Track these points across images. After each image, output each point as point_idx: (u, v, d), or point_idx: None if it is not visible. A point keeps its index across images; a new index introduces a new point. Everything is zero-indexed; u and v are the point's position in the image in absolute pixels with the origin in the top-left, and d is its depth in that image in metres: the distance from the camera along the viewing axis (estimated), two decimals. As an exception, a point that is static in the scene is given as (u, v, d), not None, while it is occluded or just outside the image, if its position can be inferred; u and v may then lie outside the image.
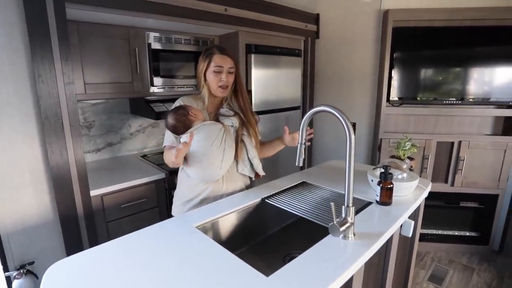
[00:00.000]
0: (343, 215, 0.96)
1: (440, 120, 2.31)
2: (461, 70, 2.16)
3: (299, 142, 1.08)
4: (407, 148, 1.40)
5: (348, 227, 0.95)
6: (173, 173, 1.80)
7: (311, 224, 1.13)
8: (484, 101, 2.16)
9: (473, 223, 2.39)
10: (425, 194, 1.39)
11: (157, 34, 1.93)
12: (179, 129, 1.27)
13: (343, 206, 0.96)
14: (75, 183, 1.46)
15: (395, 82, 2.25)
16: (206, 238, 0.98)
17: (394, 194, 1.22)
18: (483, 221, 2.35)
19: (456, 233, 2.43)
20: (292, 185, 1.48)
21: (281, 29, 2.33)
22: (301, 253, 0.90)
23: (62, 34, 1.32)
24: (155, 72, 1.96)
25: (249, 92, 2.18)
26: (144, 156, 2.21)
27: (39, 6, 1.25)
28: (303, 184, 1.50)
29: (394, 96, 2.27)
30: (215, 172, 1.30)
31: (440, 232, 2.45)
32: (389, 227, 1.05)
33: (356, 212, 1.13)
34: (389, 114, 2.33)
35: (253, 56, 2.15)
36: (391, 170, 1.25)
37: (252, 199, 1.30)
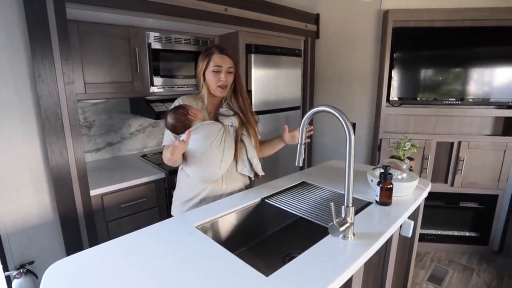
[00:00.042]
0: (343, 215, 0.96)
1: (440, 120, 2.31)
2: (461, 70, 2.16)
3: (299, 142, 1.08)
4: (407, 148, 1.40)
5: (348, 227, 0.95)
6: (173, 173, 1.80)
7: (311, 224, 1.13)
8: (484, 102, 2.17)
9: (473, 223, 2.39)
10: (424, 194, 1.39)
11: (157, 34, 1.93)
12: (178, 129, 1.27)
13: (343, 206, 0.96)
14: (75, 183, 1.46)
15: (395, 82, 2.25)
16: (206, 238, 0.99)
17: (393, 194, 1.23)
18: (482, 221, 2.35)
19: (456, 233, 2.44)
20: (292, 185, 1.48)
21: (281, 29, 2.33)
22: (300, 253, 0.90)
23: (62, 34, 1.32)
24: (155, 72, 1.96)
25: (249, 92, 2.18)
26: (144, 156, 2.21)
27: (39, 6, 1.25)
28: (303, 184, 1.50)
29: (394, 96, 2.27)
30: (214, 171, 1.30)
31: (439, 232, 2.45)
32: (388, 227, 1.05)
33: (356, 212, 1.13)
34: (389, 114, 2.33)
35: (253, 56, 2.15)
36: (391, 170, 1.25)
37: (252, 199, 1.30)
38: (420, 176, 1.65)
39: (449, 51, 2.15)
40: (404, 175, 1.32)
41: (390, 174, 1.21)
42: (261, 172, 1.45)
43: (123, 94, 1.89)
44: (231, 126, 1.36)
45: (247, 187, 1.48)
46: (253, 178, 1.48)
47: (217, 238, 1.16)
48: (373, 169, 1.39)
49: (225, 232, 1.20)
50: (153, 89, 1.97)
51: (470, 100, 2.17)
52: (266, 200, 1.31)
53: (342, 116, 0.92)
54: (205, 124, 1.29)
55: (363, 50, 2.48)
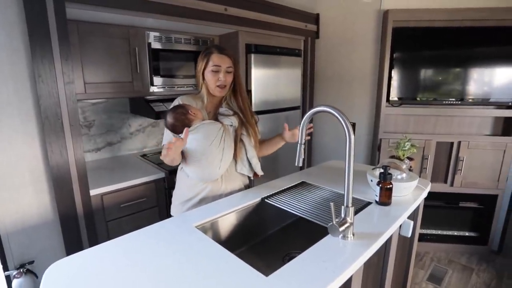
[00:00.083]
0: (343, 215, 0.96)
1: (439, 120, 2.31)
2: (461, 70, 2.16)
3: (299, 142, 1.08)
4: (406, 148, 1.40)
5: (348, 227, 0.95)
6: (172, 173, 1.80)
7: (311, 224, 1.13)
8: (483, 102, 2.17)
9: (473, 223, 2.40)
10: (424, 194, 1.39)
11: (157, 34, 1.93)
12: (178, 128, 1.27)
13: (343, 206, 0.96)
14: (75, 183, 1.46)
15: (395, 82, 2.25)
16: (206, 238, 0.99)
17: (393, 194, 1.23)
18: (482, 221, 2.35)
19: (456, 233, 2.44)
20: (292, 185, 1.48)
21: (281, 29, 2.33)
22: (300, 253, 0.90)
23: (62, 33, 1.32)
24: (155, 71, 1.96)
25: (249, 92, 2.18)
26: (144, 155, 2.21)
27: (39, 6, 1.25)
28: (302, 184, 1.50)
29: (394, 96, 2.27)
30: (214, 171, 1.30)
31: (439, 232, 2.45)
32: (388, 227, 1.05)
33: (356, 212, 1.14)
34: (388, 114, 2.33)
35: (253, 56, 2.15)
36: (391, 170, 1.25)
37: (251, 199, 1.30)
38: (419, 176, 1.65)
39: (449, 51, 2.16)
40: (404, 175, 1.32)
41: (390, 174, 1.21)
42: (260, 172, 1.45)
43: (123, 94, 1.89)
44: (231, 125, 1.36)
45: (246, 187, 1.48)
46: (252, 178, 1.48)
47: (217, 238, 1.16)
48: (373, 169, 1.40)
49: (225, 232, 1.20)
50: (153, 89, 1.97)
51: (470, 100, 2.17)
52: (266, 200, 1.31)
53: (342, 116, 0.92)
54: (205, 124, 1.29)
55: (363, 50, 2.48)
